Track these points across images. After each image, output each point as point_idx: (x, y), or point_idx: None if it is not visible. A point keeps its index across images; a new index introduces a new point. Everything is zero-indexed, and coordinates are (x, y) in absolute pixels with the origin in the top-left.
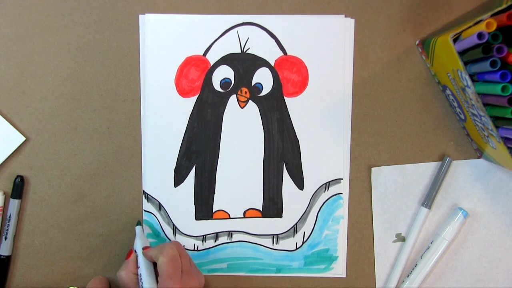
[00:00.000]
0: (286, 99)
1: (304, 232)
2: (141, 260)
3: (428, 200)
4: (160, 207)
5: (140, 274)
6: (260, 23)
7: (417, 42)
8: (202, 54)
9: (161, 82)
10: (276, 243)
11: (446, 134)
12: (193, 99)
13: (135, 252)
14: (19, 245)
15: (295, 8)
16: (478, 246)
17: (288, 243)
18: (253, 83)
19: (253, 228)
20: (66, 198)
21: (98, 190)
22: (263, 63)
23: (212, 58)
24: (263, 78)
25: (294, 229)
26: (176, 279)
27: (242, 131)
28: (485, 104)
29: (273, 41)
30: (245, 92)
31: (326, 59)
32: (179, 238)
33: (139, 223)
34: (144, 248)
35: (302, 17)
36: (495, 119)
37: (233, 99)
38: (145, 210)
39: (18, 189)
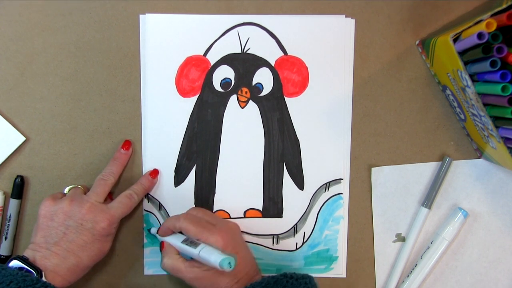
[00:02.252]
0: (286, 99)
1: (304, 232)
2: (173, 241)
3: (428, 200)
4: (160, 207)
5: (181, 251)
6: (261, 23)
7: (417, 42)
8: (202, 54)
9: (161, 82)
10: (276, 243)
11: (446, 134)
12: (194, 99)
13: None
14: (19, 245)
15: (295, 8)
16: (478, 246)
17: (288, 243)
18: (253, 83)
19: (253, 228)
20: None
21: None
22: (264, 63)
23: (212, 58)
24: (263, 78)
25: (294, 229)
26: (209, 228)
27: (242, 131)
28: (485, 104)
29: (273, 41)
30: (246, 92)
31: (327, 59)
32: None
33: (149, 230)
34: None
35: (302, 17)
36: (495, 119)
37: (233, 99)
38: (145, 210)
39: (18, 189)
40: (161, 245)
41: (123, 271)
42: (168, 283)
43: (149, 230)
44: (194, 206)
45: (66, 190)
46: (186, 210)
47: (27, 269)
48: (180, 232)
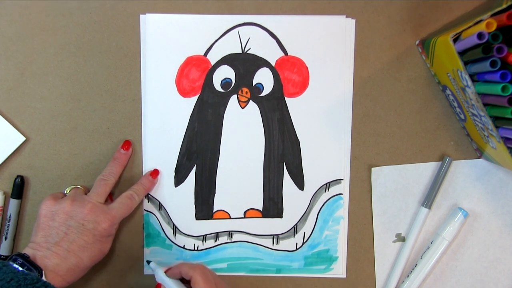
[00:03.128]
0: (286, 99)
1: (304, 233)
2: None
3: (428, 200)
4: (160, 207)
5: None
6: (261, 23)
7: (417, 42)
8: (203, 54)
9: (161, 82)
10: (276, 244)
11: (446, 134)
12: (194, 99)
13: (162, 285)
14: (19, 245)
15: (295, 8)
16: (478, 246)
17: (288, 244)
18: (253, 83)
19: (253, 228)
20: None
21: None
22: (264, 63)
23: (212, 58)
24: (263, 78)
25: (294, 230)
26: None
27: (242, 131)
28: (485, 104)
29: (273, 41)
30: (246, 92)
31: (327, 60)
32: (180, 238)
33: (149, 262)
34: (166, 271)
35: (302, 17)
36: (495, 119)
37: (233, 99)
38: (145, 210)
39: (18, 189)
40: (157, 286)
41: (123, 271)
42: None
43: (148, 262)
44: (194, 206)
45: (66, 191)
46: (198, 263)
47: (28, 267)
48: (182, 281)
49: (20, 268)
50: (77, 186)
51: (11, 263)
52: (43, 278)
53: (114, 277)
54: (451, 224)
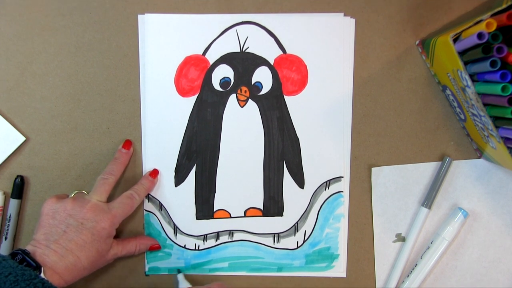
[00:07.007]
0: (285, 97)
1: (305, 231)
2: None
3: (428, 200)
4: (161, 206)
5: None
6: (260, 22)
7: (417, 42)
8: (201, 53)
9: (160, 81)
10: (277, 242)
11: (446, 134)
12: (193, 98)
13: None
14: (19, 245)
15: (294, 7)
16: (478, 246)
17: (289, 242)
18: (252, 82)
19: (254, 227)
20: None
21: None
22: (263, 62)
23: (211, 57)
24: (262, 77)
25: (295, 228)
26: None
27: (242, 130)
28: (485, 104)
29: (272, 40)
30: (245, 91)
31: (326, 58)
32: (180, 237)
33: (179, 271)
34: None
35: (301, 16)
36: (495, 119)
37: (233, 98)
38: (146, 210)
39: (18, 189)
40: None
41: (123, 271)
42: (168, 283)
43: (178, 271)
44: (194, 205)
45: (71, 196)
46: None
47: (28, 262)
48: None
49: (20, 263)
50: (83, 191)
51: (11, 258)
52: (42, 274)
53: (114, 277)
54: (451, 224)
